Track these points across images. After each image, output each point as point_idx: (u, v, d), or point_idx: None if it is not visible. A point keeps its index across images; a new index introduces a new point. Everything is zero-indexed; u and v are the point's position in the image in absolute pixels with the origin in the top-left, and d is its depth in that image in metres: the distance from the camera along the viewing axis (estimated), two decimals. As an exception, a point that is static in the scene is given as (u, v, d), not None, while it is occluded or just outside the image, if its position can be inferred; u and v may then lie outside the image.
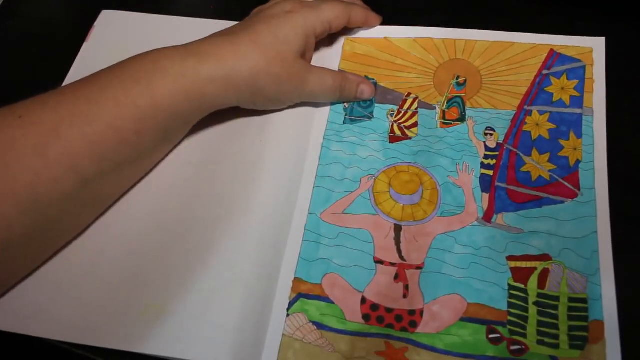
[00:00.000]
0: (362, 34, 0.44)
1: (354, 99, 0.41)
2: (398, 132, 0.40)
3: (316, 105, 0.41)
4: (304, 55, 0.40)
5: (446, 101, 0.41)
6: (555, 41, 0.42)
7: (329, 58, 0.43)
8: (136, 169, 0.37)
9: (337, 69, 0.43)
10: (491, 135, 0.39)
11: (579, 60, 0.41)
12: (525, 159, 0.38)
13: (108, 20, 0.47)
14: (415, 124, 0.40)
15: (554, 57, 0.41)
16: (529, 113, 0.40)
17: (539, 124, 0.39)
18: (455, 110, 0.41)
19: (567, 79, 0.40)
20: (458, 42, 0.43)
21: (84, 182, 0.32)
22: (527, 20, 0.44)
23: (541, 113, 0.40)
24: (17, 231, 0.30)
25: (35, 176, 0.31)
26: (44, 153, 0.31)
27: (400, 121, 0.41)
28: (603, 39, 0.41)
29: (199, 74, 0.35)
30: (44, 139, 0.31)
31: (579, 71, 0.41)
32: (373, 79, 0.42)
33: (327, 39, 0.44)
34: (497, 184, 0.37)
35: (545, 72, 0.41)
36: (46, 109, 0.32)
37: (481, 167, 0.38)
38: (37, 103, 0.33)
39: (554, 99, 0.40)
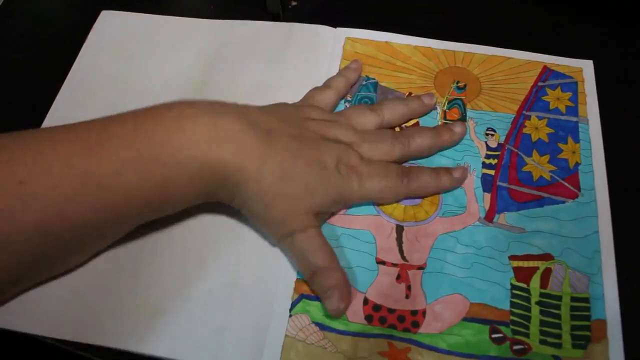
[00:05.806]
0: (364, 34, 0.44)
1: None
2: (399, 133, 0.40)
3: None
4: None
5: (447, 102, 0.41)
6: (547, 60, 0.43)
7: (330, 58, 0.43)
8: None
9: (337, 69, 0.42)
10: (492, 135, 0.39)
11: (571, 77, 0.42)
12: (526, 159, 0.38)
13: (108, 21, 0.47)
14: (417, 124, 0.40)
15: (548, 72, 0.42)
16: (528, 117, 0.40)
17: (537, 128, 0.40)
18: (456, 111, 0.41)
19: (562, 91, 0.41)
20: (457, 53, 0.43)
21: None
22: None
23: (539, 118, 0.40)
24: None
25: None
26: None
27: (401, 121, 0.41)
28: (591, 62, 0.43)
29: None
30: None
31: (571, 85, 0.42)
32: (373, 79, 0.42)
33: (328, 39, 0.44)
34: (498, 183, 0.37)
35: (540, 83, 0.42)
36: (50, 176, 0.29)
37: (482, 167, 0.38)
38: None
39: (551, 107, 0.41)
